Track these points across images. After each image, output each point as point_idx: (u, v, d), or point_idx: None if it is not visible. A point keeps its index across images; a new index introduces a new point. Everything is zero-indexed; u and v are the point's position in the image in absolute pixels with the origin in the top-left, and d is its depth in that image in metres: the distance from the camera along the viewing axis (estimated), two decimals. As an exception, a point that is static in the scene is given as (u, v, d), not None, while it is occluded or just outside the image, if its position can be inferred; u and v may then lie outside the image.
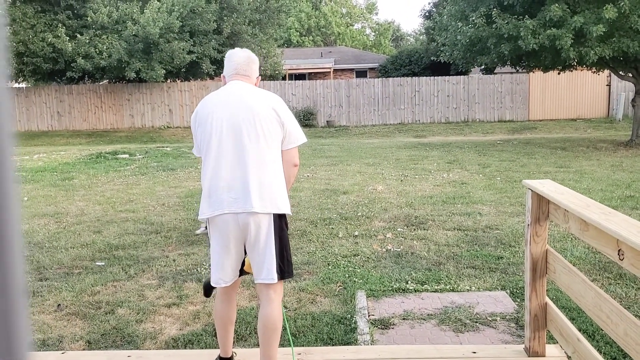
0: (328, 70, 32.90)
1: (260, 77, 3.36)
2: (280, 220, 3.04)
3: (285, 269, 3.08)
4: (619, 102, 22.33)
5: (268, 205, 2.98)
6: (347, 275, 4.93)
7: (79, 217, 7.66)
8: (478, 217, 6.97)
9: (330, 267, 5.19)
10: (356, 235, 6.27)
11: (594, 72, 16.63)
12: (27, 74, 23.52)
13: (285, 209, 3.06)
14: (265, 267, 3.02)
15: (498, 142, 16.74)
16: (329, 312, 4.14)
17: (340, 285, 4.69)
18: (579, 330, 2.68)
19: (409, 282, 4.70)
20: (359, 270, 5.05)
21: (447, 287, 4.57)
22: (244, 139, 2.99)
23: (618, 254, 1.94)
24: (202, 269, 5.22)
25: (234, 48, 3.51)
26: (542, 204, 2.70)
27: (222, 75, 3.33)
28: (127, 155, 14.83)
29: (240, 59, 3.24)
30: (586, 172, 10.35)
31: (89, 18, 21.15)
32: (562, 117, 23.30)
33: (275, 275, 3.03)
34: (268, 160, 3.03)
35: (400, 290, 4.53)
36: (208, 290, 3.69)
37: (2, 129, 0.40)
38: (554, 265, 2.65)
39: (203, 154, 3.08)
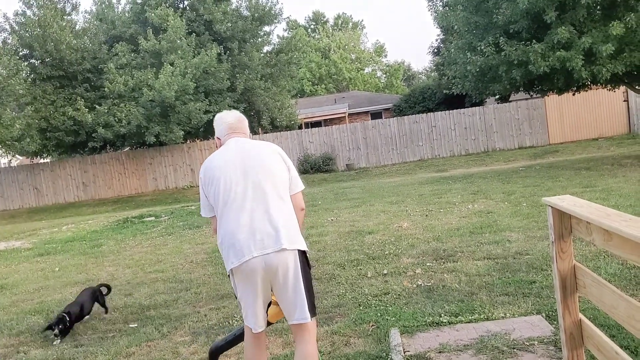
0: (343, 115, 33.26)
1: (251, 135, 3.56)
2: (303, 258, 3.12)
3: (314, 306, 3.17)
4: (639, 116, 22.13)
5: (294, 242, 3.07)
6: (379, 314, 4.87)
7: (110, 281, 7.72)
8: (507, 244, 6.87)
9: (361, 307, 5.14)
10: (385, 274, 6.22)
11: (610, 89, 16.56)
12: (50, 149, 24.20)
13: (305, 246, 3.17)
14: (298, 306, 3.07)
15: (520, 168, 16.61)
16: (363, 352, 4.08)
17: (373, 325, 4.63)
18: (620, 347, 2.61)
19: (443, 315, 4.63)
20: (390, 308, 4.99)
21: (482, 316, 4.49)
22: (261, 184, 3.09)
23: (644, 260, 1.91)
24: (234, 321, 5.21)
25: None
26: (563, 219, 2.68)
27: (215, 137, 3.48)
28: (153, 218, 15.02)
29: (232, 119, 3.45)
30: (613, 190, 10.18)
31: (106, 89, 21.83)
32: (583, 137, 23.11)
33: (308, 314, 3.09)
34: (285, 202, 3.16)
35: (434, 324, 4.46)
36: (215, 355, 3.74)
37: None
38: (583, 280, 2.60)
39: (219, 209, 3.15)
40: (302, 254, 3.13)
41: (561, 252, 2.70)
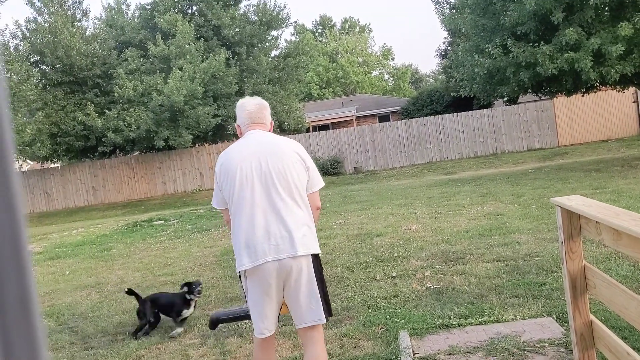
0: (350, 118, 33.26)
1: (273, 122, 3.43)
2: (317, 261, 3.12)
3: (329, 307, 3.17)
4: (649, 118, 21.99)
5: (308, 246, 3.06)
6: (388, 316, 4.86)
7: (120, 285, 7.77)
8: (517, 246, 6.84)
9: (370, 310, 5.14)
10: (394, 276, 6.21)
11: (619, 90, 16.46)
12: (61, 154, 24.35)
13: (319, 249, 3.16)
14: (312, 308, 3.06)
15: (530, 171, 16.54)
16: (373, 354, 4.08)
17: (382, 327, 4.63)
18: (633, 349, 2.59)
19: (452, 317, 4.62)
20: (400, 311, 4.98)
21: (492, 318, 4.47)
22: (276, 185, 3.06)
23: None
24: (242, 324, 5.21)
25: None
26: (572, 219, 2.67)
27: (236, 124, 3.41)
28: (162, 222, 15.07)
29: (253, 107, 3.33)
30: (624, 191, 10.12)
31: (115, 94, 21.95)
32: (593, 139, 22.98)
33: (323, 316, 3.09)
34: (300, 204, 3.11)
35: (444, 326, 4.45)
36: (214, 323, 3.81)
37: (17, 210, 0.45)
38: (593, 281, 2.59)
39: (233, 207, 3.13)
40: (316, 256, 3.12)
41: (571, 252, 2.69)
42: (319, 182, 3.27)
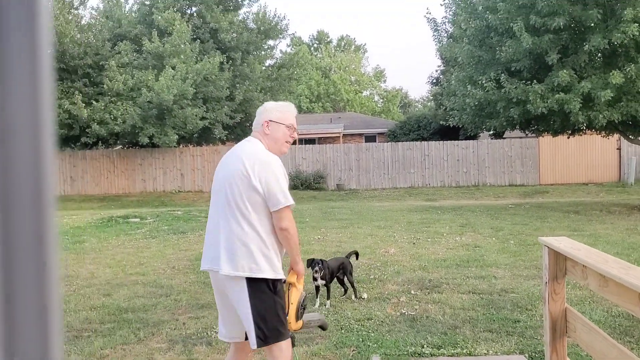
0: (337, 135, 33.31)
1: (268, 121, 3.22)
2: (256, 285, 2.94)
3: (268, 335, 2.93)
4: (630, 166, 22.32)
5: (239, 268, 2.92)
6: (360, 339, 4.82)
7: (89, 280, 7.62)
8: (493, 280, 6.85)
9: (343, 331, 5.08)
10: (369, 299, 6.17)
11: (604, 136, 16.70)
12: (42, 140, 23.92)
13: (261, 273, 2.93)
14: (247, 331, 3.01)
15: (510, 205, 16.66)
16: (342, 376, 4.02)
17: (353, 350, 4.58)
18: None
19: (425, 346, 4.59)
20: (372, 334, 4.93)
21: (464, 351, 4.45)
22: (225, 199, 3.06)
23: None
24: (212, 332, 5.12)
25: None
26: (559, 260, 2.66)
27: None
28: (138, 219, 14.88)
29: (258, 113, 3.35)
30: (601, 236, 10.22)
31: (105, 85, 21.72)
32: (573, 181, 23.26)
33: (254, 341, 2.93)
34: (241, 221, 2.97)
35: (416, 355, 4.41)
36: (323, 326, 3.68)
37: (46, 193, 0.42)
38: (574, 324, 2.58)
39: None
40: (255, 280, 2.93)
41: (554, 293, 2.68)
42: (279, 201, 2.97)
